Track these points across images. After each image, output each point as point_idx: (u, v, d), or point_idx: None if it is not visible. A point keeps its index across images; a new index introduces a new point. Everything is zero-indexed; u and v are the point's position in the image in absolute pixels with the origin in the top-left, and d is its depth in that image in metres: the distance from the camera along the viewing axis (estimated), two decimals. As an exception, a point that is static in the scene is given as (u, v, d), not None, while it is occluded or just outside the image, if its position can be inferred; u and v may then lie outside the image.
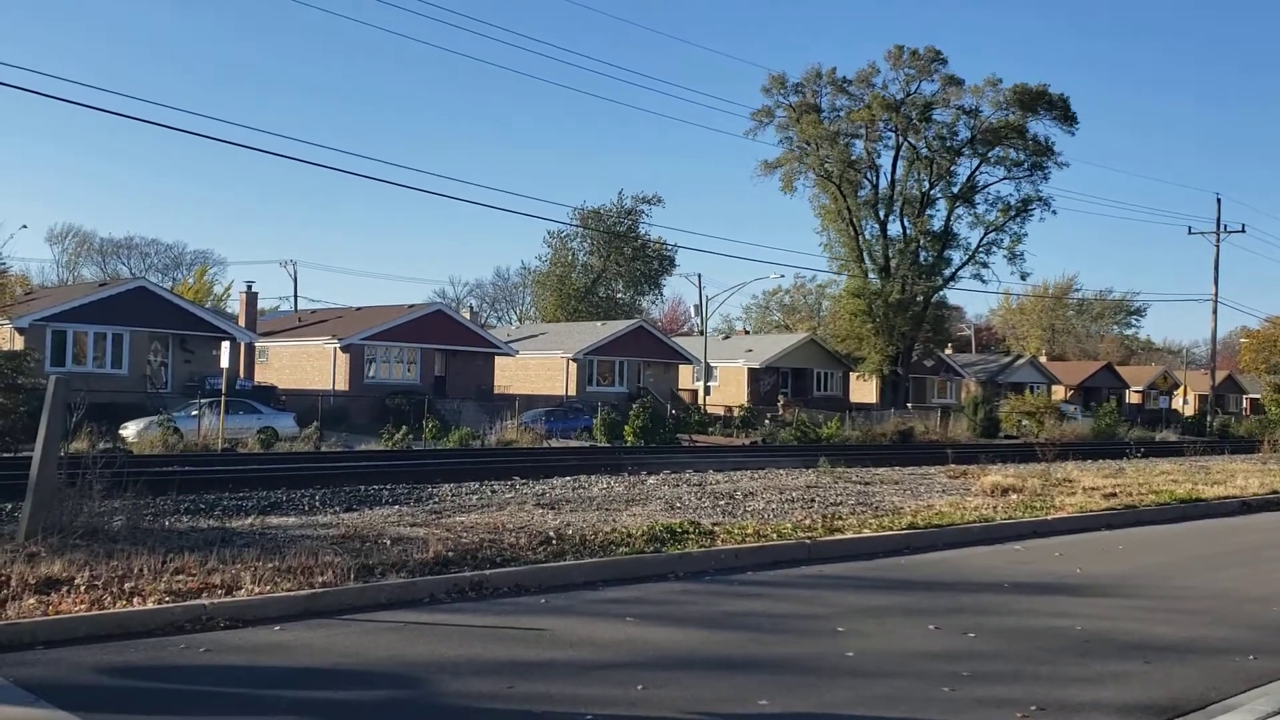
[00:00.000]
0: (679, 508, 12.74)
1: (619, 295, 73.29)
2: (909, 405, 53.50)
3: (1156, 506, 15.21)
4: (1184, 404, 75.99)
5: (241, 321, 42.89)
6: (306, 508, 11.86)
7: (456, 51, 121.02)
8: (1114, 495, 15.76)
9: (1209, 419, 55.70)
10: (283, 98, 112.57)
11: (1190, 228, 57.04)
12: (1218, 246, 54.26)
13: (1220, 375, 71.25)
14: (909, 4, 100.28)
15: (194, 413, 28.06)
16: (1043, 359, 77.47)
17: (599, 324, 55.60)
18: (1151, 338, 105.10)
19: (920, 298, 53.71)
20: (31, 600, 6.84)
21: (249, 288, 44.26)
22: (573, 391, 47.89)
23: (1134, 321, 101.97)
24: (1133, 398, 74.93)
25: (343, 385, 40.77)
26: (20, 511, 9.03)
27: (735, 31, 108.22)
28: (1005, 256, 55.41)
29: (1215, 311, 53.83)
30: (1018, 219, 54.83)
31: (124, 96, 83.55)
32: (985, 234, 55.18)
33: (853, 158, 53.75)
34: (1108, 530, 13.42)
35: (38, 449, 8.86)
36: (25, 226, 77.27)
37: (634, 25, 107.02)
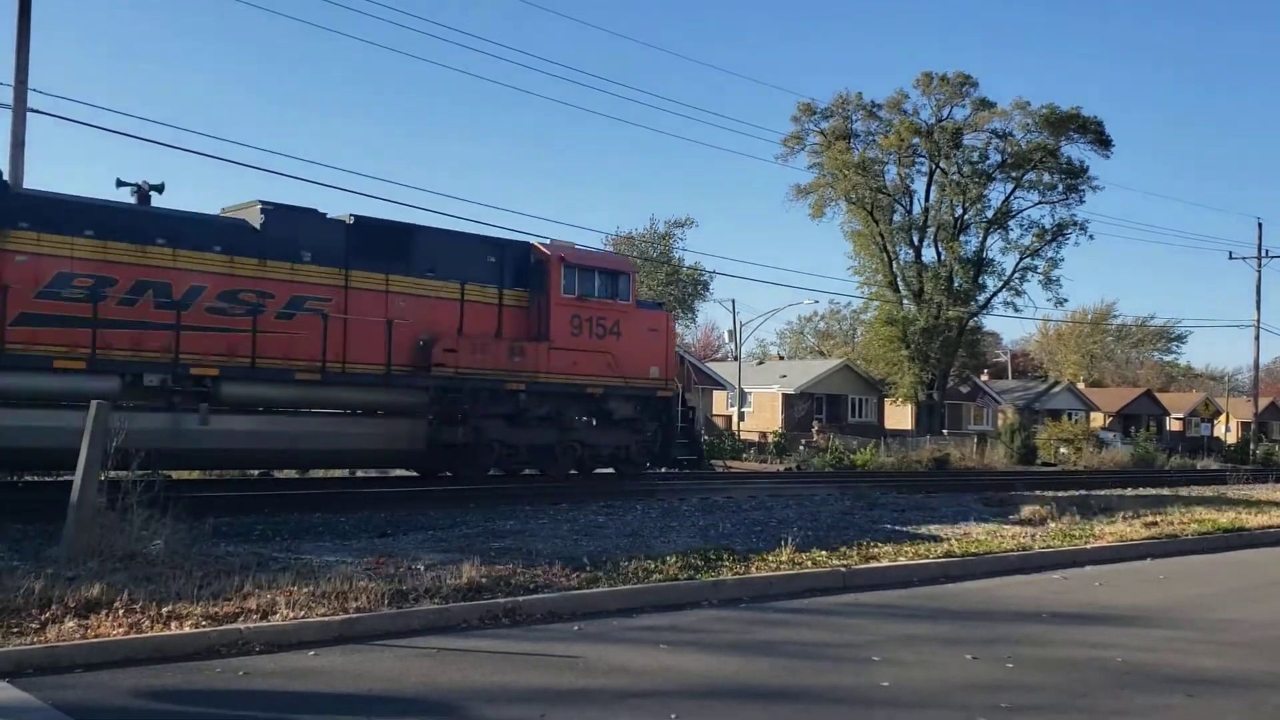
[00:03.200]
0: (713, 534, 12.69)
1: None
2: (944, 431, 53.04)
3: (1198, 536, 14.95)
4: (1226, 431, 74.81)
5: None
6: (341, 532, 11.92)
7: (494, 80, 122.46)
8: (1155, 524, 15.53)
9: (1252, 446, 54.80)
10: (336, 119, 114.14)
11: (1231, 253, 56.17)
12: (1259, 272, 53.66)
13: (1263, 402, 70.08)
14: (941, 34, 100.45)
15: None
16: (1081, 385, 76.66)
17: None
18: (1192, 364, 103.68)
19: (955, 324, 53.35)
20: (71, 623, 6.91)
21: None
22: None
23: (1175, 348, 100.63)
24: (1173, 425, 73.89)
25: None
26: (62, 534, 9.14)
27: (767, 59, 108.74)
28: (1040, 282, 55.00)
29: (1258, 338, 53.20)
30: (1053, 244, 54.44)
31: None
32: (1020, 259, 54.81)
33: (885, 183, 53.64)
34: (1149, 560, 13.22)
35: (78, 473, 8.98)
36: None
37: (667, 53, 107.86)
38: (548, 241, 20.31)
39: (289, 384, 16.69)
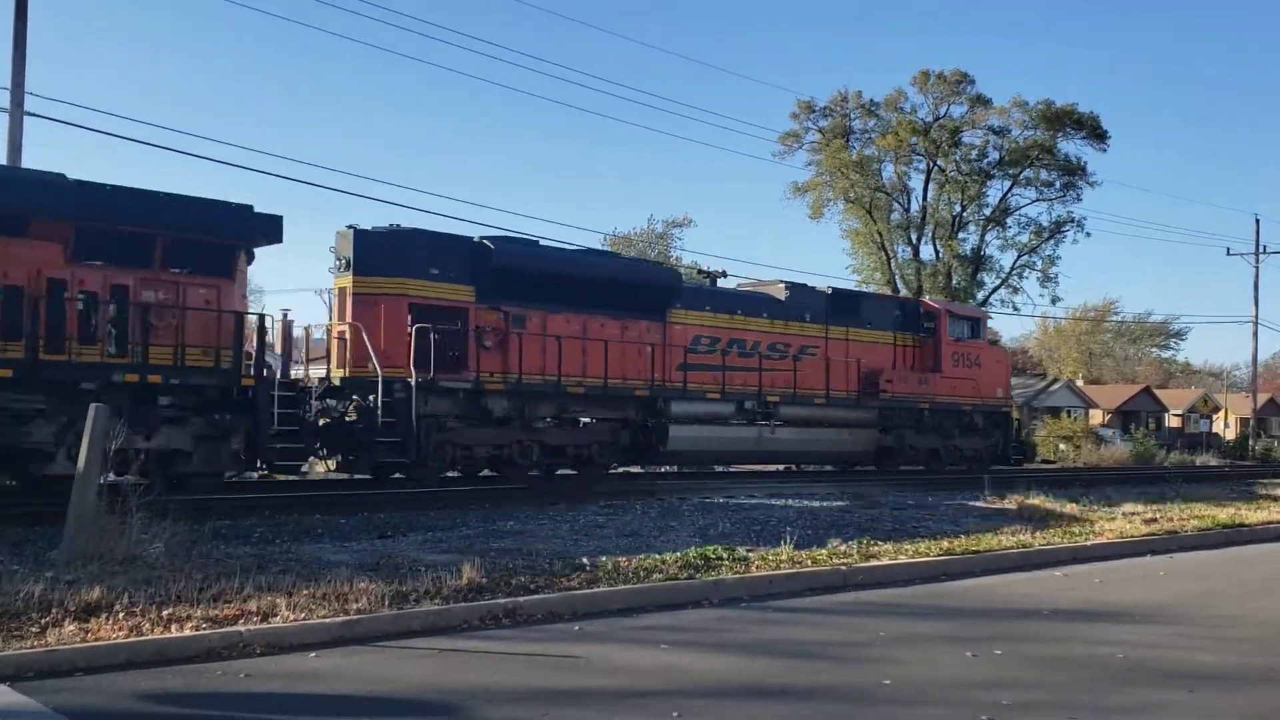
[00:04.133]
0: (713, 534, 12.69)
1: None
2: (943, 429, 53.02)
3: (1198, 532, 14.95)
4: (1225, 427, 74.80)
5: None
6: (341, 533, 11.91)
7: (484, 79, 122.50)
8: (1154, 520, 15.53)
9: (1251, 443, 54.80)
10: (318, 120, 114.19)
11: (1229, 249, 56.24)
12: (1257, 268, 53.63)
13: (1262, 398, 70.06)
14: (938, 30, 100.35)
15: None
16: (1080, 382, 76.58)
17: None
18: (1191, 360, 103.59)
19: (954, 321, 53.28)
20: (71, 627, 6.91)
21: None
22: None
23: (1174, 344, 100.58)
24: (1172, 421, 73.80)
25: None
26: (61, 537, 9.13)
27: (764, 59, 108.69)
28: (1039, 279, 54.99)
29: (1256, 334, 53.19)
30: (1050, 240, 54.40)
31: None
32: (1018, 257, 54.78)
33: (883, 181, 53.63)
34: (1149, 556, 13.22)
35: (78, 476, 8.97)
36: None
37: (664, 52, 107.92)
38: (932, 299, 29.71)
39: (810, 405, 24.21)
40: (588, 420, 20.54)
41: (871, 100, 53.81)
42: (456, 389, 18.16)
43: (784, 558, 10.74)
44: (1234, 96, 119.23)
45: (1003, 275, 54.97)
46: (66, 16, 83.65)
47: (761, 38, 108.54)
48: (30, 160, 21.26)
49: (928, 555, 11.64)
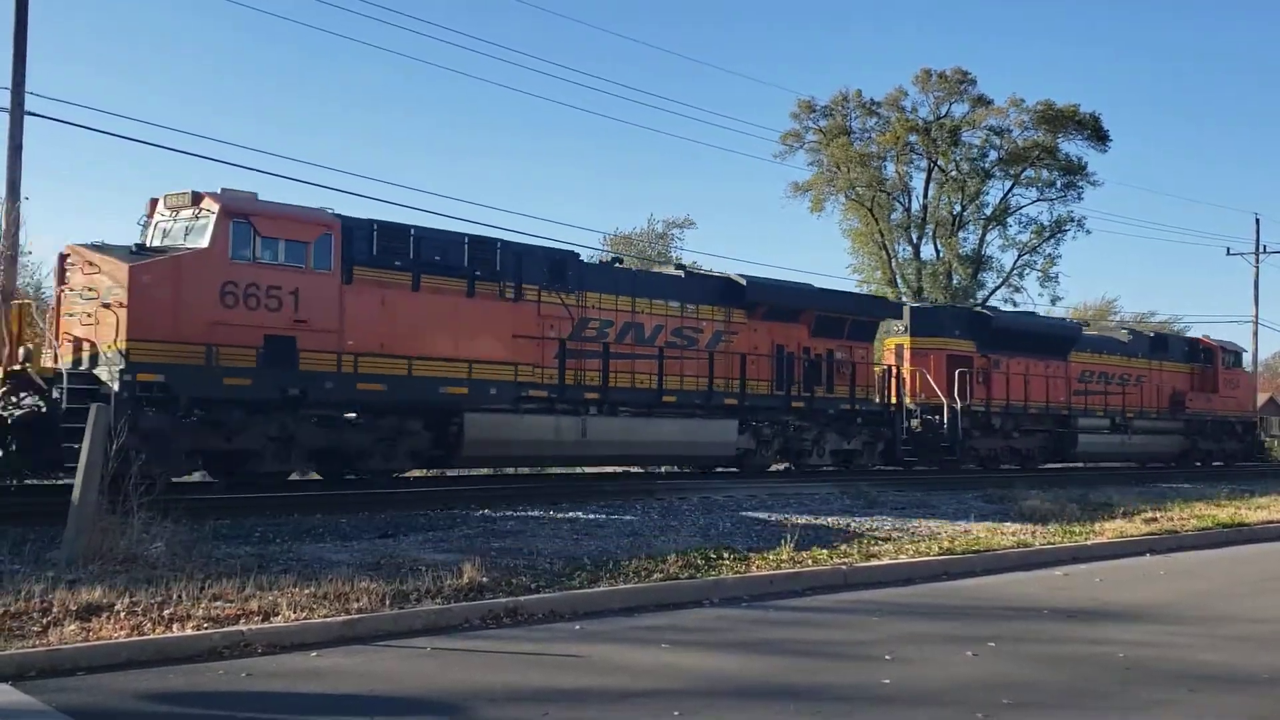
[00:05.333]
0: (713, 533, 12.70)
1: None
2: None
3: (1198, 531, 14.96)
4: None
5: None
6: (342, 533, 11.93)
7: (490, 80, 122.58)
8: (1155, 520, 15.53)
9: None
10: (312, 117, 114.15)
11: (1229, 249, 56.09)
12: (1257, 267, 53.51)
13: (1262, 398, 70.10)
14: (941, 31, 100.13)
15: None
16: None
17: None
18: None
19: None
20: (73, 626, 6.92)
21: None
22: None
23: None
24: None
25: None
26: (62, 537, 9.14)
27: (765, 58, 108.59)
28: (1039, 279, 55.00)
29: (1256, 334, 52.91)
30: (1051, 240, 54.43)
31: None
32: (1019, 256, 54.80)
33: (884, 180, 53.61)
34: (1150, 555, 13.23)
35: (79, 476, 8.98)
36: None
37: (663, 51, 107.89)
38: (1210, 338, 35.55)
39: (1149, 419, 31.81)
40: (1029, 430, 28.59)
41: (872, 100, 53.81)
42: (976, 410, 26.54)
43: (784, 557, 10.75)
44: (1234, 96, 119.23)
45: (1003, 275, 54.98)
46: (66, 16, 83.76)
47: (761, 37, 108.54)
48: (29, 162, 21.23)
49: (928, 555, 11.65)
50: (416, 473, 20.01)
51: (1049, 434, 29.10)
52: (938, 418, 25.75)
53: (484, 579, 8.79)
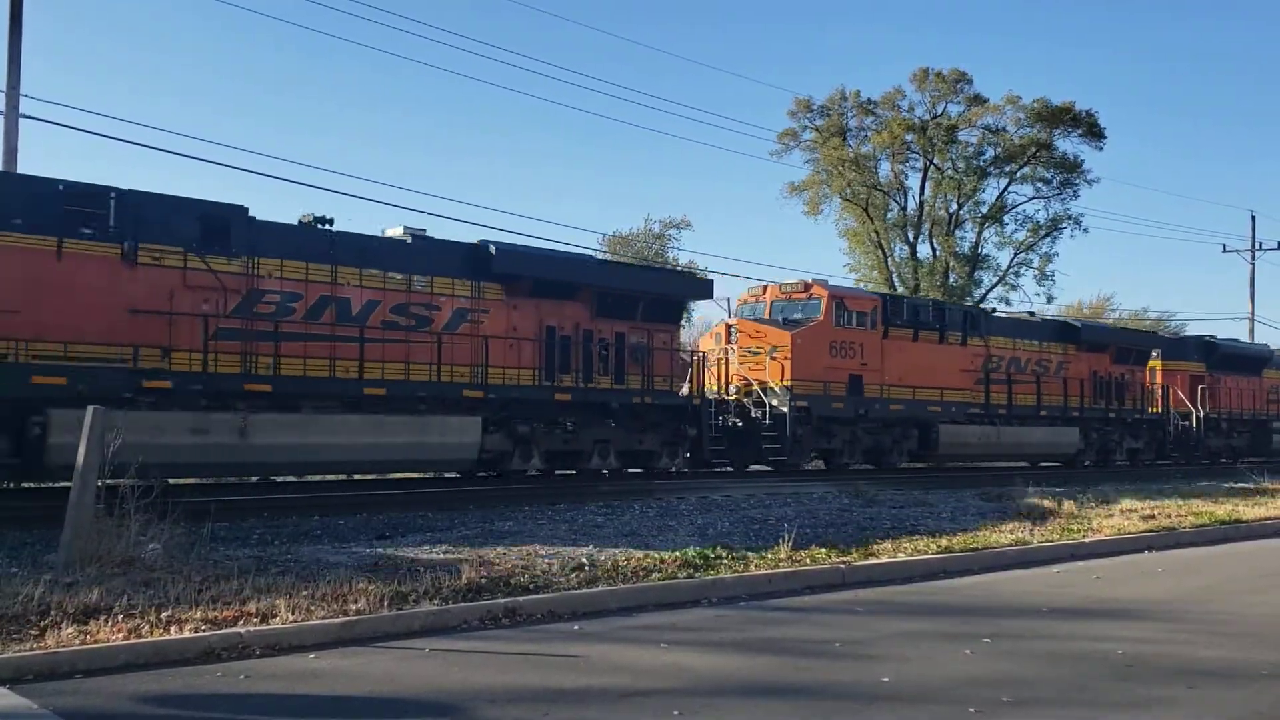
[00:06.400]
0: (711, 533, 12.69)
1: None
2: (943, 427, 53.25)
3: (1196, 528, 14.97)
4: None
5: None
6: (340, 534, 11.91)
7: (484, 80, 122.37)
8: (1152, 517, 15.54)
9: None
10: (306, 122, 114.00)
11: (1225, 245, 56.29)
12: (1253, 264, 53.73)
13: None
14: (938, 31, 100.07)
15: None
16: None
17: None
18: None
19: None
20: (70, 629, 6.91)
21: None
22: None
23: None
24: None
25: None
26: (60, 540, 9.12)
27: (761, 58, 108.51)
28: (1035, 277, 55.04)
29: (1252, 331, 53.10)
30: (1048, 238, 54.45)
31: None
32: (1015, 254, 54.82)
33: (880, 179, 53.62)
34: (1147, 552, 13.23)
35: (76, 479, 8.96)
36: None
37: (656, 50, 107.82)
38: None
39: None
40: (1241, 431, 35.55)
41: (870, 99, 53.83)
42: (1211, 417, 33.46)
43: (782, 556, 10.75)
44: (1230, 94, 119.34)
45: (1000, 273, 55.02)
46: (64, 14, 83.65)
47: (757, 37, 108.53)
48: (24, 164, 21.21)
49: (926, 553, 11.65)
50: (397, 475, 19.63)
51: (1250, 434, 36.19)
52: (1186, 422, 33.19)
53: (482, 580, 8.78)
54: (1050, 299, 55.95)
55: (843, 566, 10.59)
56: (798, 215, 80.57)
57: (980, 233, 54.37)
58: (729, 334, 23.46)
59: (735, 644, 7.63)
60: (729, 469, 23.25)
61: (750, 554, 10.83)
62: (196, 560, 9.21)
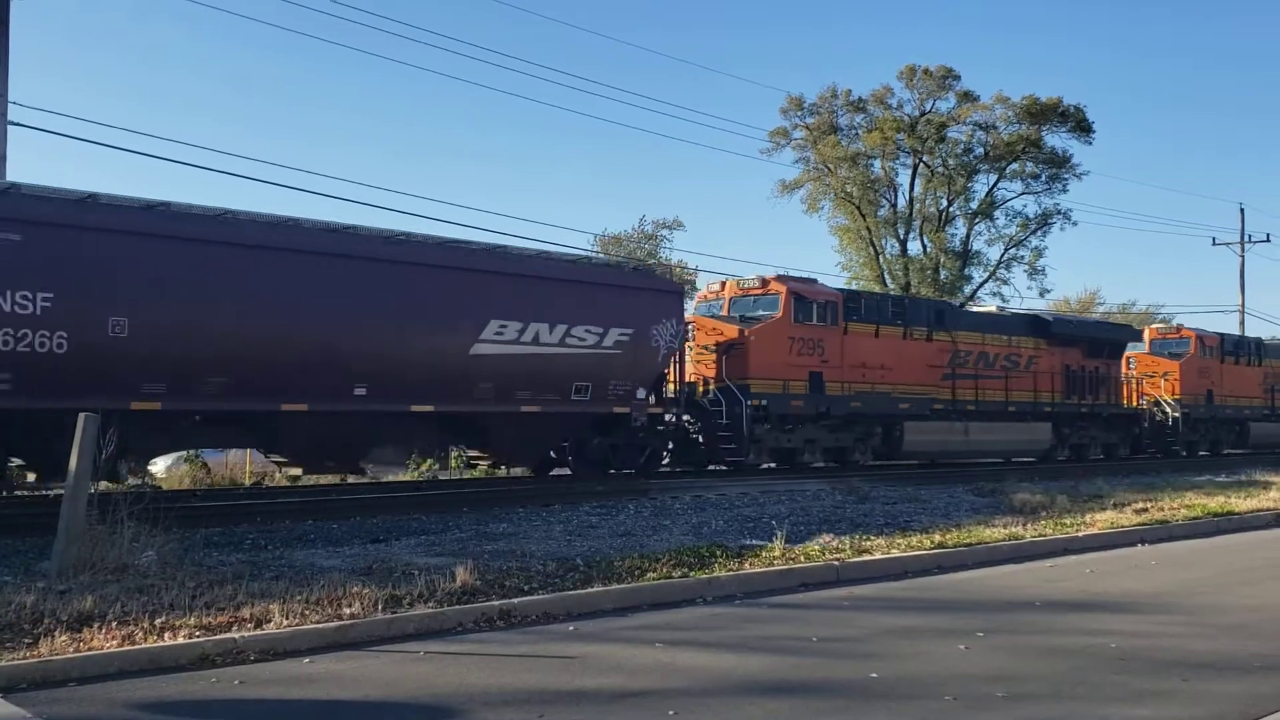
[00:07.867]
0: (705, 532, 12.70)
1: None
2: (935, 423, 53.34)
3: (1188, 521, 15.02)
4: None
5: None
6: (334, 538, 11.90)
7: (477, 83, 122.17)
8: (1145, 510, 15.59)
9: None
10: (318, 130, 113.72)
11: (1214, 239, 56.36)
12: (1242, 257, 53.92)
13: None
14: (927, 27, 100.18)
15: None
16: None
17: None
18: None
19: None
20: (63, 637, 6.88)
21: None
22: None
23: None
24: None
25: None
26: (52, 548, 9.09)
27: (750, 57, 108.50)
28: (1026, 272, 55.14)
29: (1242, 323, 53.32)
30: (1038, 233, 54.57)
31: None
32: (1005, 250, 54.94)
33: (871, 177, 53.67)
34: (1141, 545, 13.28)
35: (69, 486, 8.93)
36: None
37: (649, 52, 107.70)
38: None
39: None
40: None
41: (860, 97, 53.89)
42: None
43: (777, 554, 10.76)
44: (1218, 87, 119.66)
45: (990, 269, 55.12)
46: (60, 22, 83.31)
47: (747, 36, 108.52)
48: (18, 172, 21.12)
49: (920, 549, 11.67)
50: (391, 478, 19.70)
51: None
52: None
53: (477, 582, 8.78)
54: (1044, 293, 56.09)
55: (837, 564, 10.60)
56: (789, 213, 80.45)
57: (970, 228, 54.49)
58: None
59: (731, 643, 7.64)
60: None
61: (745, 552, 10.84)
62: (190, 566, 9.20)
